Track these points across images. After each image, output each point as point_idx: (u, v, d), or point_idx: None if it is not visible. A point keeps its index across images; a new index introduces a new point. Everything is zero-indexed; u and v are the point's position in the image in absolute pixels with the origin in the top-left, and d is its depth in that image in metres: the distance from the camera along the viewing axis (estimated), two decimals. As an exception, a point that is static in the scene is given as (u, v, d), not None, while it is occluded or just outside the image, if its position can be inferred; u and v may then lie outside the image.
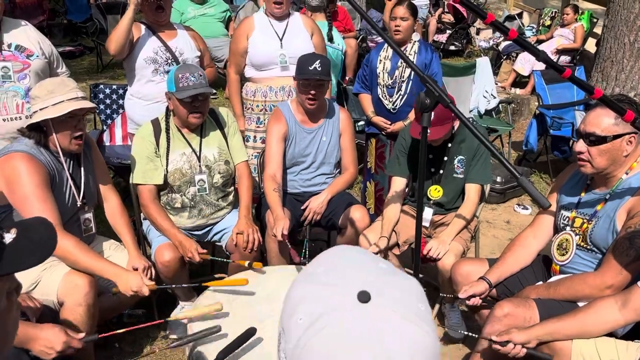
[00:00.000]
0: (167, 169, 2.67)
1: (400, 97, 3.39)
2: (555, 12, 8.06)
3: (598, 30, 7.31)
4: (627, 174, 2.00)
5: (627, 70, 5.90)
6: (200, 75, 2.59)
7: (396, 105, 3.41)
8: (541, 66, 6.54)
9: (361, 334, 0.64)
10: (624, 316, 1.73)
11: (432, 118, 2.55)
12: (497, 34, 8.19)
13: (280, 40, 3.30)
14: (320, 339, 0.65)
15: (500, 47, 7.73)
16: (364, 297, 0.67)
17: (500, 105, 5.55)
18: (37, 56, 2.91)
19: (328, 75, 2.79)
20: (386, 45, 3.46)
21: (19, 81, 2.83)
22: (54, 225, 0.94)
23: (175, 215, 2.73)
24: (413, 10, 3.37)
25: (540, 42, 7.19)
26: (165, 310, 2.82)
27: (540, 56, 1.60)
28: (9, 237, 0.84)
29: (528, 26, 7.76)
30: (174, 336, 2.71)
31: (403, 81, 3.38)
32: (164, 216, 2.64)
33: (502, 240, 3.96)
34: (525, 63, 7.00)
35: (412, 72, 3.36)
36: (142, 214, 2.82)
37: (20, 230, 0.86)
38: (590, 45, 7.43)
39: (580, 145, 2.01)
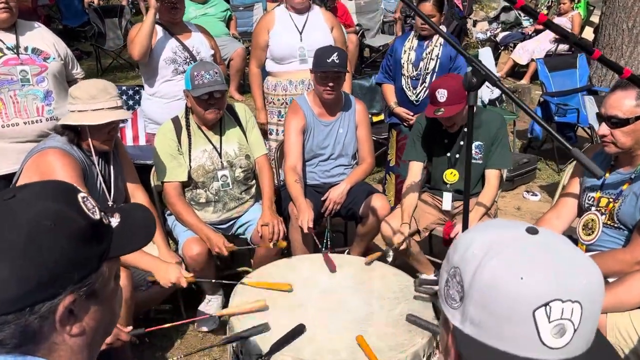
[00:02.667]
0: (190, 165, 2.70)
1: (425, 89, 3.41)
2: (552, 1, 8.13)
3: (594, 18, 7.40)
4: (651, 152, 2.04)
5: (627, 56, 5.97)
6: (216, 73, 2.61)
7: (419, 97, 3.44)
8: (542, 55, 6.61)
9: (534, 257, 0.71)
10: (657, 288, 1.78)
11: (445, 97, 2.61)
12: (494, 24, 8.25)
13: (300, 33, 3.34)
14: (499, 262, 0.72)
15: (498, 38, 7.78)
16: (532, 230, 0.75)
17: (503, 95, 5.60)
18: (54, 58, 2.92)
19: (345, 67, 2.82)
20: (411, 35, 3.48)
21: (37, 84, 2.84)
22: (150, 210, 0.98)
23: (201, 210, 2.76)
24: (440, 5, 3.39)
25: (538, 31, 7.25)
26: (190, 306, 2.85)
27: (570, 39, 1.64)
28: (114, 222, 0.88)
29: (525, 17, 7.82)
30: (204, 329, 2.74)
31: (428, 73, 3.41)
32: (190, 212, 2.67)
33: (515, 226, 4.00)
34: (524, 53, 7.07)
35: (437, 65, 3.39)
36: (165, 211, 2.85)
37: (123, 215, 0.90)
38: (588, 34, 7.50)
39: (603, 129, 2.04)
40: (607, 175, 2.17)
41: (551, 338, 0.69)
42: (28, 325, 0.75)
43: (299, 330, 1.83)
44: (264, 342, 1.77)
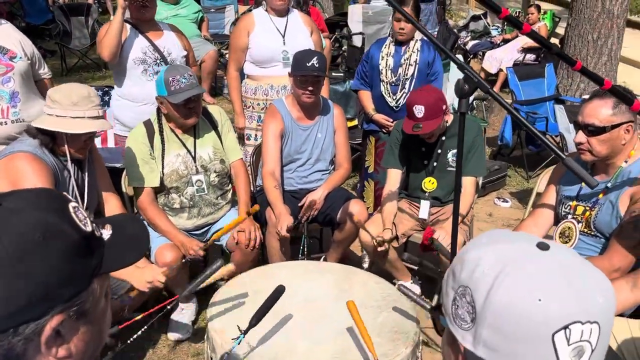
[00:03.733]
0: (163, 171, 2.63)
1: (404, 95, 3.41)
2: (519, 11, 8.31)
3: (560, 30, 7.60)
4: (626, 162, 2.08)
5: (592, 66, 6.13)
6: (191, 76, 2.56)
7: (400, 103, 3.44)
8: (509, 64, 6.75)
9: (549, 276, 0.69)
10: (635, 296, 1.80)
11: (423, 114, 2.63)
12: (463, 33, 8.38)
13: (283, 36, 3.29)
14: (514, 283, 0.69)
15: (468, 47, 7.91)
16: (543, 246, 0.73)
17: (474, 102, 5.68)
18: (20, 58, 2.81)
19: (325, 72, 2.81)
20: (387, 41, 3.48)
21: (3, 85, 2.72)
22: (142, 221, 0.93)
23: (175, 216, 2.69)
24: (416, 11, 3.40)
25: (506, 40, 7.40)
26: (162, 316, 2.76)
27: (553, 50, 1.66)
28: (106, 234, 0.81)
29: (494, 26, 7.98)
30: (177, 336, 2.67)
31: (407, 79, 3.41)
32: (163, 217, 2.60)
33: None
34: (493, 61, 7.20)
35: (415, 70, 3.39)
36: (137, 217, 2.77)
37: (115, 227, 0.83)
38: (553, 44, 7.70)
39: (580, 137, 2.08)
40: (584, 184, 2.20)
41: None
42: (11, 348, 0.68)
43: (278, 292, 1.78)
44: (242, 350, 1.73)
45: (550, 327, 0.67)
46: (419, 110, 2.60)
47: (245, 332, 1.69)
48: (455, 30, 7.11)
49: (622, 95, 1.76)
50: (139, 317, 1.97)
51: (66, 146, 2.19)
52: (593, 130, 2.03)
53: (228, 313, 1.96)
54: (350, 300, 1.78)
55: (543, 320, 0.67)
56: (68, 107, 2.11)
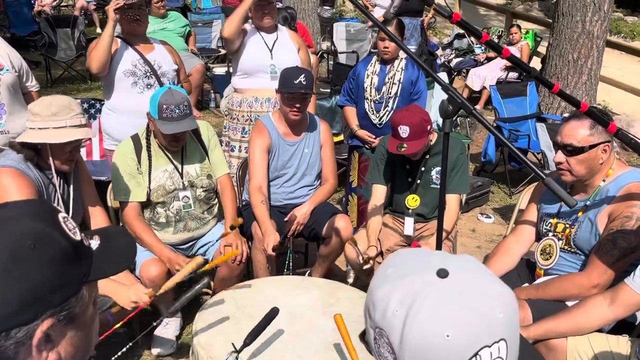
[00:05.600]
0: (149, 186, 2.63)
1: (387, 112, 3.47)
2: (501, 31, 8.47)
3: (541, 49, 7.76)
4: (604, 181, 2.14)
5: (572, 85, 6.29)
6: (186, 106, 2.52)
7: (383, 121, 3.50)
8: (493, 81, 6.86)
9: (452, 305, 0.74)
10: (613, 312, 1.85)
11: (408, 134, 2.68)
12: (448, 50, 8.51)
13: (270, 51, 3.35)
14: (422, 322, 0.74)
15: (452, 64, 8.03)
16: (442, 273, 0.77)
17: (458, 119, 5.76)
18: (7, 70, 2.81)
19: (312, 89, 2.84)
20: (374, 59, 3.54)
21: None
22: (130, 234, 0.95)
23: (160, 231, 2.69)
24: (401, 30, 3.47)
25: (489, 59, 7.53)
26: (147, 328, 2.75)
27: (531, 74, 1.71)
28: (94, 244, 0.85)
29: (477, 44, 8.12)
30: (161, 351, 2.66)
31: (390, 97, 3.47)
32: (149, 232, 2.59)
33: (470, 247, 4.10)
34: (476, 79, 7.32)
35: (399, 89, 3.46)
36: (122, 230, 2.76)
37: (103, 238, 0.87)
38: (535, 63, 7.85)
39: (559, 156, 2.13)
40: (563, 202, 2.25)
41: None
42: (3, 351, 0.71)
43: (273, 314, 1.81)
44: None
45: (463, 358, 0.73)
46: (404, 131, 2.65)
47: (240, 350, 1.71)
48: (434, 50, 7.26)
49: (599, 118, 1.81)
50: (117, 326, 1.96)
51: (50, 158, 2.18)
52: (572, 150, 2.08)
53: (213, 328, 1.97)
54: (338, 313, 1.80)
55: (455, 355, 0.73)
56: (48, 118, 2.10)
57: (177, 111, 2.49)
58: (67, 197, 2.33)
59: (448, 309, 0.74)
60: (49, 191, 2.24)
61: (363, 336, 0.85)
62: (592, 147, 2.06)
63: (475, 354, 0.73)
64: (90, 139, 2.68)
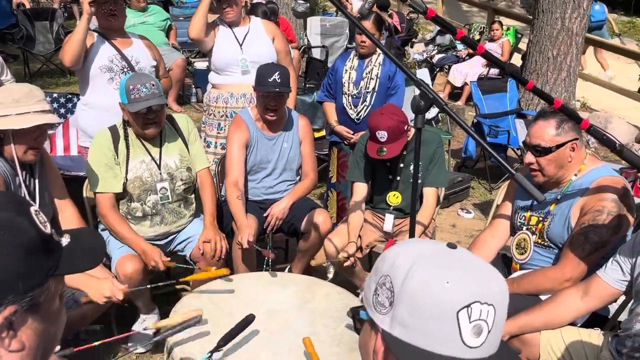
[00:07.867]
0: (126, 177, 2.61)
1: (365, 107, 3.48)
2: (483, 27, 8.53)
3: (522, 45, 7.83)
4: (576, 175, 2.16)
5: (552, 82, 6.36)
6: (153, 85, 2.52)
7: (360, 116, 3.50)
8: (474, 77, 6.91)
9: (456, 265, 0.83)
10: (585, 304, 1.87)
11: (386, 138, 2.68)
12: (430, 46, 8.55)
13: (240, 45, 3.32)
14: (426, 269, 0.82)
15: (434, 60, 8.07)
16: (452, 245, 0.87)
17: (439, 115, 5.80)
18: (-20, 63, 2.76)
19: (287, 87, 2.83)
20: (352, 54, 3.54)
21: None
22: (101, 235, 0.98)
23: (137, 225, 2.66)
24: (379, 24, 3.47)
25: (471, 55, 7.57)
26: (123, 324, 2.73)
27: (506, 70, 1.73)
28: (64, 241, 0.88)
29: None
30: (138, 349, 2.63)
31: (368, 92, 3.48)
32: (124, 224, 2.57)
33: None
34: (458, 75, 7.36)
35: (377, 84, 3.46)
36: (98, 226, 2.73)
37: (73, 237, 0.90)
38: (516, 60, 7.93)
39: (529, 157, 2.15)
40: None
41: (470, 337, 0.79)
42: None
43: (249, 321, 1.81)
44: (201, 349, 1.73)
45: (455, 304, 0.79)
46: (382, 136, 2.67)
47: (212, 352, 1.71)
48: (397, 45, 7.31)
49: (570, 114, 1.83)
50: (97, 344, 1.93)
51: (12, 146, 2.12)
52: (540, 151, 2.10)
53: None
54: (306, 337, 1.81)
55: (450, 299, 0.79)
56: (10, 105, 2.06)
57: (144, 90, 2.48)
58: (32, 189, 2.28)
59: (452, 267, 0.82)
60: (15, 183, 2.20)
61: (352, 311, 0.93)
62: (559, 146, 2.08)
63: (468, 305, 0.78)
64: (55, 126, 2.62)
